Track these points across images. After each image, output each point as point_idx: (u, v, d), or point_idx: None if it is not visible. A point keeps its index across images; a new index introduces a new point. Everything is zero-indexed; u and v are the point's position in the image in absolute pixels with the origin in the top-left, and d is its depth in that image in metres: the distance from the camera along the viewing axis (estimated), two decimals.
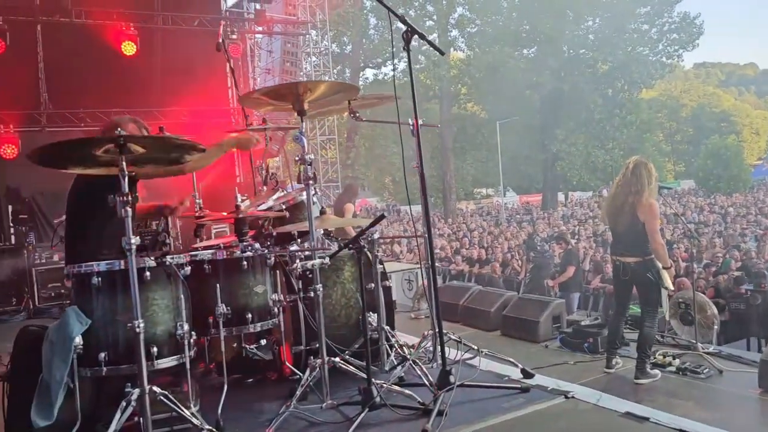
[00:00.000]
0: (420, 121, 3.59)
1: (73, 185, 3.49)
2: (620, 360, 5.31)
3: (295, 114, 3.25)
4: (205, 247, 3.62)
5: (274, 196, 4.01)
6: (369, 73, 34.40)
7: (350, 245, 2.98)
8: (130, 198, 2.40)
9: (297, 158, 3.04)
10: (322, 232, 3.87)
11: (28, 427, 2.59)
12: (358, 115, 3.58)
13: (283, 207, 3.78)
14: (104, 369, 2.63)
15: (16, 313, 9.33)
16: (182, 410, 2.57)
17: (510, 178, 37.38)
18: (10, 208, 11.72)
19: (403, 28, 3.20)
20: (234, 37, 14.26)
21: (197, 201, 4.31)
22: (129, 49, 13.00)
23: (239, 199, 3.23)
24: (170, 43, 13.47)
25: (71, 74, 12.83)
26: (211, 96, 13.43)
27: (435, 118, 32.89)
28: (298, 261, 3.14)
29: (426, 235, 3.00)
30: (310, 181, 3.01)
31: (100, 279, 2.62)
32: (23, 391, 2.69)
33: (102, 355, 2.62)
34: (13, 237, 11.54)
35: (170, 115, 14.31)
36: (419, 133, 3.65)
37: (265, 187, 4.36)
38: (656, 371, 4.88)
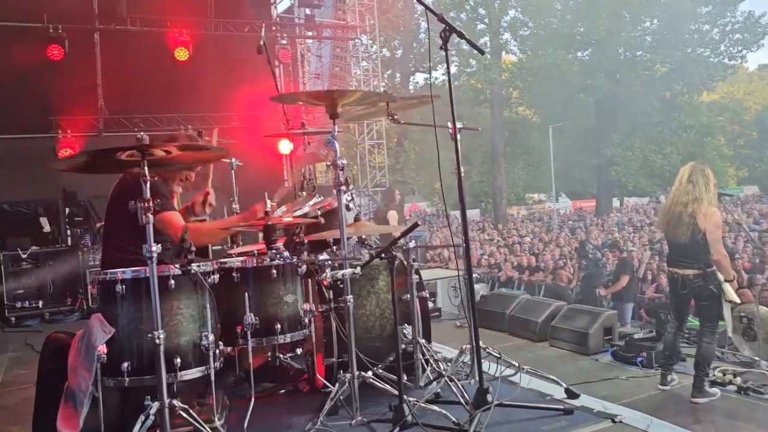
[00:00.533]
0: (459, 125, 3.43)
1: (112, 190, 3.50)
2: (676, 377, 5.02)
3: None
4: (239, 254, 3.56)
5: (311, 202, 3.92)
6: (420, 77, 34.31)
7: (382, 254, 2.85)
8: (151, 204, 2.33)
9: (329, 163, 2.93)
10: (356, 239, 3.75)
11: None
12: (396, 117, 3.46)
13: (319, 213, 3.68)
14: (127, 379, 2.58)
15: (70, 313, 9.57)
16: (201, 425, 2.48)
17: (563, 183, 36.61)
18: (66, 210, 12.07)
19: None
20: (284, 42, 14.39)
21: (234, 206, 4.27)
22: (182, 54, 13.26)
23: (268, 205, 3.14)
24: (222, 49, 13.66)
25: (126, 80, 13.18)
26: (261, 101, 13.56)
27: (486, 122, 32.52)
28: (327, 270, 3.03)
29: (464, 244, 2.83)
30: (342, 187, 2.89)
31: (124, 287, 2.57)
32: (49, 398, 2.67)
33: (125, 364, 2.57)
34: (69, 239, 11.89)
35: (221, 120, 14.54)
36: (457, 137, 3.49)
37: (304, 193, 4.28)
38: (715, 390, 4.58)
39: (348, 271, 2.78)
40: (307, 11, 15.83)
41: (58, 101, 12.54)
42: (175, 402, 2.42)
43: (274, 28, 14.88)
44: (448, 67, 2.88)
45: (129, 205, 2.33)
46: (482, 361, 3.61)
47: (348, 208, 3.78)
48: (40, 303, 10.01)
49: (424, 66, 32.57)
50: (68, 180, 12.26)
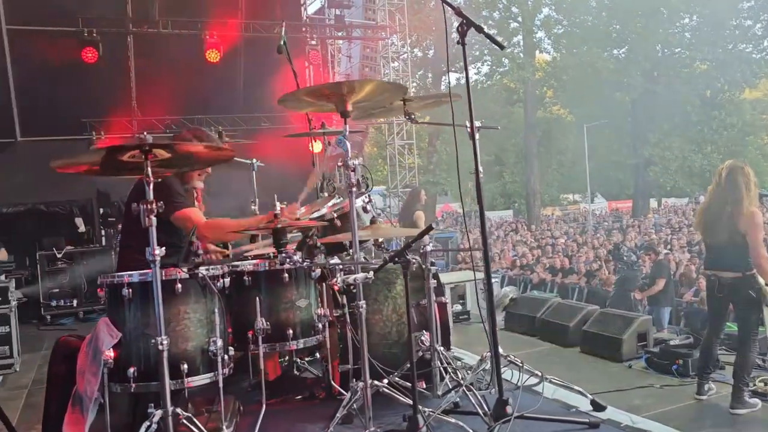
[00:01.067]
0: (477, 123, 3.30)
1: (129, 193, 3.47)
2: (713, 386, 4.81)
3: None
4: (255, 257, 3.49)
5: (330, 203, 3.83)
6: (452, 77, 34.02)
7: (396, 258, 2.73)
8: (154, 206, 2.27)
9: (340, 163, 2.84)
10: (372, 242, 3.64)
11: None
12: (413, 116, 3.34)
13: (335, 215, 3.58)
14: (133, 385, 2.51)
15: (104, 312, 9.68)
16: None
17: (598, 183, 35.94)
18: (101, 211, 12.26)
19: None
20: (313, 43, 14.39)
21: (252, 207, 4.21)
22: (213, 56, 13.33)
23: (278, 207, 3.06)
24: (252, 50, 13.70)
25: (158, 82, 13.33)
26: None
27: (519, 122, 32.14)
28: (338, 275, 2.93)
29: (482, 247, 2.70)
30: (354, 188, 2.79)
31: (131, 290, 2.51)
32: (58, 402, 2.62)
33: (131, 370, 2.50)
34: (103, 239, 12.07)
35: (251, 121, 14.60)
36: (475, 136, 3.36)
37: (326, 194, 4.19)
38: (756, 400, 4.36)
39: (360, 275, 2.67)
40: (337, 12, 15.80)
41: (92, 104, 12.73)
42: (179, 410, 2.35)
43: (303, 29, 14.88)
44: (465, 63, 2.77)
45: (132, 207, 2.27)
46: (505, 369, 3.48)
47: (365, 210, 3.68)
48: (75, 302, 10.17)
49: (457, 66, 32.28)
50: (102, 181, 12.45)
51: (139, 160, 2.26)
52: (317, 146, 14.65)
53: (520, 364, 3.41)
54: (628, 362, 5.99)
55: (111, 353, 2.49)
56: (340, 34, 16.12)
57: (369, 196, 3.79)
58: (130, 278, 2.50)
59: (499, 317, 8.98)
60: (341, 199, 3.82)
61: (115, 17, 13.09)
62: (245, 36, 13.87)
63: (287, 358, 3.61)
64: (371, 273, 2.71)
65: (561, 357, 7.13)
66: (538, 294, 12.27)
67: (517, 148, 32.90)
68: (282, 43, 4.46)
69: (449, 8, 2.90)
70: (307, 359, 3.80)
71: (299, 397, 3.30)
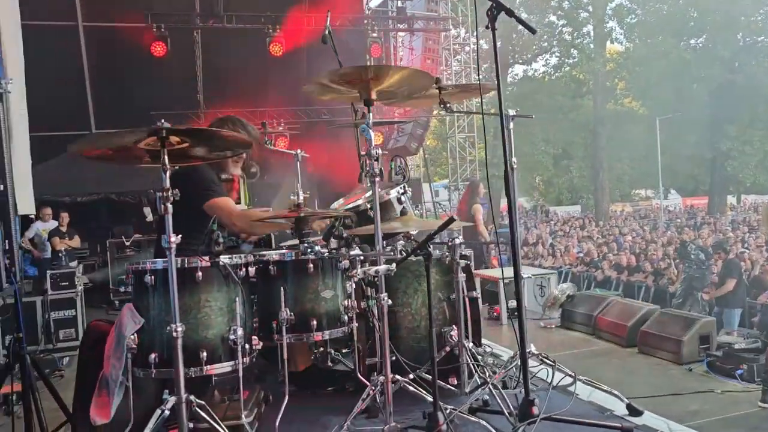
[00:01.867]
0: (512, 112, 3.18)
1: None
2: None
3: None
4: (290, 247, 3.49)
5: (368, 194, 3.79)
6: (518, 69, 33.38)
7: (417, 251, 2.66)
8: (170, 194, 2.28)
9: (363, 152, 2.78)
10: (402, 234, 3.57)
11: (89, 424, 2.58)
12: (449, 105, 3.25)
13: (368, 206, 3.54)
14: (154, 371, 2.55)
15: None
16: (218, 423, 2.41)
17: (671, 178, 34.46)
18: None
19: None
20: (375, 35, 14.37)
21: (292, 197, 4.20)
22: (276, 50, 13.52)
23: (300, 197, 3.04)
24: (315, 43, 13.84)
25: (223, 76, 13.66)
26: None
27: (588, 115, 31.21)
28: (358, 266, 2.88)
29: (511, 239, 2.59)
30: (377, 178, 2.73)
31: (153, 277, 2.55)
32: (87, 386, 2.70)
33: (153, 356, 2.54)
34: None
35: (313, 114, 14.78)
36: (510, 126, 3.24)
37: (367, 185, 4.14)
38: None
39: (382, 267, 2.62)
40: (399, 3, 15.72)
41: (160, 97, 13.17)
42: (192, 397, 2.37)
43: (365, 21, 14.89)
44: (494, 48, 2.65)
45: (150, 195, 2.30)
46: (541, 368, 3.36)
47: (399, 201, 3.62)
48: None
49: (523, 57, 31.67)
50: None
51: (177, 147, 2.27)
52: (376, 138, 14.64)
53: (553, 363, 3.27)
54: (688, 365, 5.70)
55: (134, 339, 2.54)
56: (402, 26, 16.02)
57: (404, 187, 3.73)
58: (153, 265, 2.54)
59: (556, 314, 8.75)
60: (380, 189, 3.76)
61: (183, 13, 13.47)
62: (308, 29, 13.99)
63: (322, 349, 3.60)
64: (393, 265, 2.65)
65: (618, 357, 6.88)
66: (597, 292, 11.86)
67: (585, 141, 31.93)
68: (327, 32, 4.44)
69: None
70: (344, 351, 3.78)
71: (330, 389, 3.29)
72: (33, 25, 11.02)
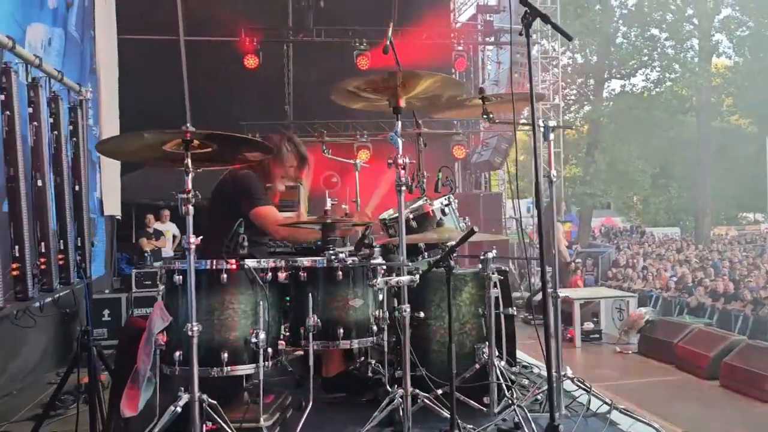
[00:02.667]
0: (552, 123, 3.05)
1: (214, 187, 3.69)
2: None
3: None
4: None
5: (415, 205, 3.76)
6: (615, 84, 32.14)
7: (439, 263, 2.60)
8: (191, 195, 2.35)
9: (390, 161, 2.75)
10: (423, 245, 3.49)
11: (121, 417, 2.69)
12: (492, 116, 3.17)
13: (411, 216, 3.51)
14: (178, 368, 2.63)
15: None
16: (227, 425, 2.44)
17: None
18: None
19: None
20: (460, 49, 14.30)
21: (343, 206, 4.25)
22: (363, 63, 13.73)
23: (328, 204, 3.05)
24: (400, 56, 13.94)
25: (311, 88, 14.02)
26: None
27: (691, 132, 29.66)
28: (379, 276, 2.84)
29: (540, 258, 2.47)
30: (403, 188, 2.69)
31: (181, 277, 2.63)
32: (122, 380, 2.81)
33: (177, 354, 2.62)
34: None
35: (392, 127, 14.83)
36: (550, 137, 3.11)
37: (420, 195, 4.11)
38: None
39: (405, 278, 2.57)
40: (488, 17, 15.59)
41: (249, 107, 13.71)
42: (204, 396, 2.41)
43: (452, 35, 14.86)
44: (528, 55, 2.56)
45: (173, 195, 2.38)
46: (581, 393, 3.18)
47: (443, 213, 3.57)
48: None
49: (622, 72, 30.50)
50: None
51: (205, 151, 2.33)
52: (458, 151, 14.52)
53: (588, 388, 3.09)
54: None
55: (163, 336, 2.63)
56: (490, 39, 15.86)
57: (449, 198, 3.67)
58: (182, 265, 2.62)
59: (633, 339, 8.33)
60: (426, 200, 3.74)
61: (276, 26, 13.96)
62: (395, 42, 14.07)
63: (363, 359, 3.58)
64: (417, 276, 2.60)
65: (697, 390, 6.46)
66: (686, 319, 11.18)
67: (686, 160, 30.28)
68: (388, 43, 4.46)
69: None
70: (377, 362, 3.73)
71: (363, 398, 3.26)
72: (140, 39, 11.83)
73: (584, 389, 3.07)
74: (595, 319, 9.22)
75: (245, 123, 13.67)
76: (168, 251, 10.23)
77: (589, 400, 3.02)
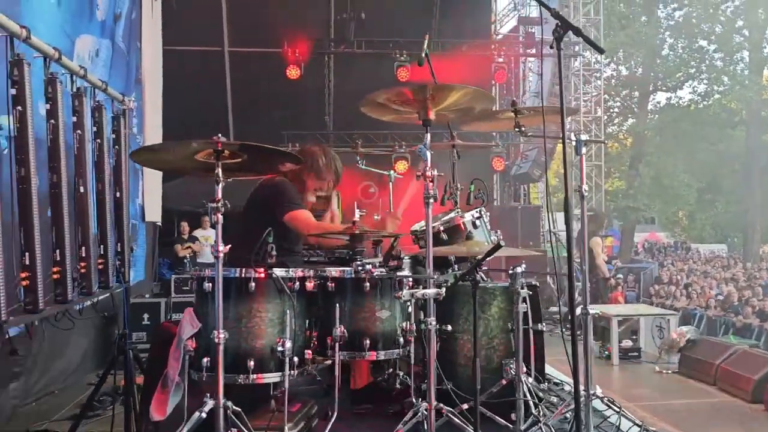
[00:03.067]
0: (584, 137, 3.01)
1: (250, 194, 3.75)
2: None
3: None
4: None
5: (446, 217, 3.76)
6: (661, 96, 31.46)
7: (465, 277, 2.58)
8: (221, 204, 2.40)
9: (419, 173, 2.75)
10: (453, 258, 3.47)
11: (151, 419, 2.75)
12: (524, 129, 3.14)
13: (441, 228, 3.50)
14: (205, 375, 2.67)
15: None
16: (248, 431, 2.46)
17: None
18: None
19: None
20: (500, 60, 14.24)
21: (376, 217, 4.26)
22: (403, 74, 13.78)
23: (357, 215, 3.06)
24: (438, 68, 13.96)
25: (351, 98, 14.10)
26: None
27: (739, 147, 28.83)
28: (405, 289, 2.83)
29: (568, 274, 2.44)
30: (431, 200, 2.69)
31: (211, 285, 2.67)
32: (153, 384, 2.87)
33: (205, 360, 2.66)
34: None
35: (433, 137, 14.84)
36: (582, 151, 3.06)
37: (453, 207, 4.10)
38: None
39: (431, 291, 2.56)
40: (529, 29, 15.50)
41: (290, 116, 13.90)
42: (229, 403, 2.44)
43: (492, 47, 14.82)
44: (560, 69, 2.52)
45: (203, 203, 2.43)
46: (611, 413, 3.11)
47: (474, 226, 3.55)
48: None
49: (668, 84, 29.88)
50: None
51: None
52: (498, 164, 14.40)
53: (618, 409, 3.01)
54: None
55: (192, 342, 2.68)
56: (532, 51, 15.76)
57: (480, 211, 3.65)
58: (212, 273, 2.67)
59: (674, 359, 8.12)
60: (458, 212, 3.72)
61: (318, 39, 14.14)
62: (435, 55, 14.11)
63: (391, 371, 3.58)
64: (443, 289, 2.58)
65: (739, 414, 6.26)
66: (731, 339, 10.82)
67: (734, 174, 29.42)
68: (423, 54, 4.47)
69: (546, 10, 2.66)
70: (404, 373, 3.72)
71: (391, 410, 3.25)
72: (185, 50, 12.14)
73: (614, 409, 3.00)
74: (634, 337, 9.03)
75: (286, 132, 13.86)
76: (209, 257, 10.41)
77: (620, 421, 2.95)
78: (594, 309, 3.06)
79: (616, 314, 8.33)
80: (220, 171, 2.40)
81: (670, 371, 7.78)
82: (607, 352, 8.33)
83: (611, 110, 29.70)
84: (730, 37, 28.22)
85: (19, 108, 3.29)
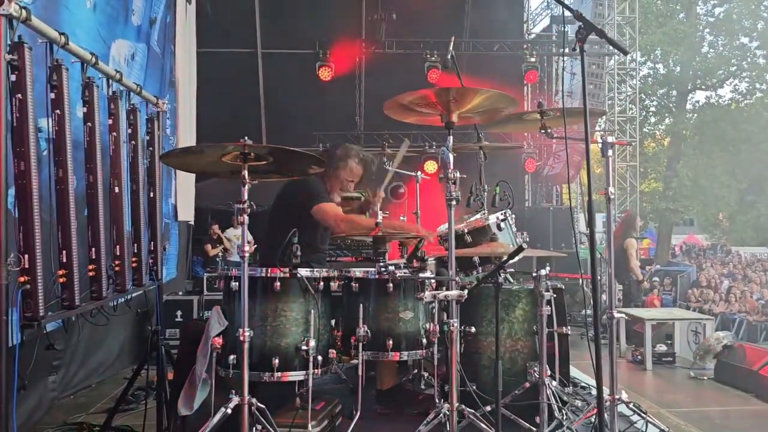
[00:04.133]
0: (610, 139, 2.98)
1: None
2: None
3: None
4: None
5: (471, 219, 3.77)
6: (700, 95, 30.76)
7: (487, 279, 2.59)
8: (247, 205, 2.45)
9: (441, 176, 2.76)
10: (477, 259, 3.46)
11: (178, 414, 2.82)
12: (550, 131, 3.12)
13: (465, 230, 3.51)
14: (231, 372, 2.73)
15: None
16: (272, 427, 2.51)
17: None
18: None
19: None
20: (533, 60, 14.11)
21: (402, 217, 4.29)
22: (434, 75, 13.75)
23: (380, 217, 3.08)
24: (470, 68, 13.91)
25: (382, 99, 14.13)
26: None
27: None
28: (427, 290, 2.85)
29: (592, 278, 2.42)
30: (453, 202, 2.70)
31: (237, 283, 2.73)
32: (182, 380, 2.94)
33: (231, 357, 2.72)
34: None
35: (463, 138, 14.79)
36: (608, 153, 3.03)
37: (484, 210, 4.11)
38: None
39: (454, 292, 2.57)
40: (562, 28, 15.28)
41: (321, 117, 14.01)
42: (254, 400, 2.49)
43: (525, 46, 14.68)
44: (583, 70, 2.50)
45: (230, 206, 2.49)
46: (638, 418, 3.08)
47: (499, 228, 3.55)
48: None
49: (707, 83, 29.19)
50: None
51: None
52: (530, 165, 14.25)
53: (643, 413, 2.98)
54: None
55: (219, 339, 2.74)
56: (565, 50, 15.55)
57: (505, 213, 3.65)
58: (239, 272, 2.72)
59: (710, 365, 7.93)
60: (481, 214, 3.73)
61: (349, 39, 14.21)
62: (467, 54, 14.10)
63: (416, 371, 3.61)
64: (465, 291, 2.59)
65: None
66: (759, 345, 10.50)
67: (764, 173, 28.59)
68: (449, 56, 4.47)
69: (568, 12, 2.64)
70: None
71: (415, 411, 3.27)
72: (218, 52, 12.33)
73: (640, 414, 2.97)
74: (668, 342, 8.85)
75: (318, 133, 13.96)
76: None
77: (646, 426, 2.92)
78: (620, 313, 3.03)
79: (649, 318, 8.18)
80: (246, 173, 2.46)
81: (705, 378, 7.61)
82: (639, 357, 8.20)
83: (648, 109, 29.17)
84: None
85: (58, 111, 3.39)
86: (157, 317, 4.60)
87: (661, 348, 8.54)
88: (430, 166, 12.94)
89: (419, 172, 4.85)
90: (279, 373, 2.72)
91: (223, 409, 2.50)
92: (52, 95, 3.39)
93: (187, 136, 7.64)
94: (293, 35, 13.59)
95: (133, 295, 4.75)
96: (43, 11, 3.90)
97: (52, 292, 3.43)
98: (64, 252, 3.47)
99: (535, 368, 2.93)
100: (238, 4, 13.18)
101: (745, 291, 17.86)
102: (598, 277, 2.45)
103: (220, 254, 10.21)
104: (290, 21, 13.32)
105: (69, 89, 3.49)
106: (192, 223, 8.97)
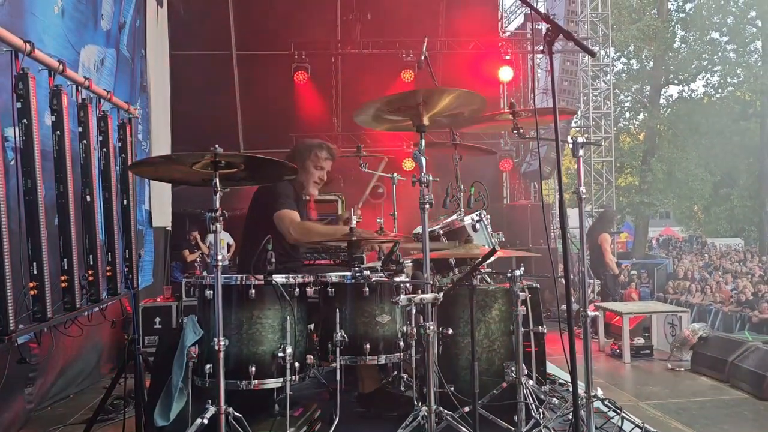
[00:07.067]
0: (581, 139, 3.01)
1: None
2: None
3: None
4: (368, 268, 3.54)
5: (447, 220, 3.77)
6: (673, 90, 31.19)
7: (463, 281, 2.60)
8: (220, 214, 2.43)
9: (415, 179, 2.76)
10: (453, 260, 3.49)
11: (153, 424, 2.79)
12: (522, 131, 3.14)
13: (441, 231, 3.52)
14: (208, 381, 2.70)
15: None
16: None
17: None
18: None
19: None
20: (507, 58, 14.18)
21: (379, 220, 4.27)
22: (407, 76, 13.76)
23: (354, 221, 3.08)
24: (445, 67, 13.94)
25: (358, 99, 14.08)
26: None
27: (753, 139, 28.50)
28: (402, 294, 2.85)
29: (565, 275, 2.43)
30: (427, 205, 2.70)
31: (212, 292, 2.70)
32: (158, 388, 2.91)
33: (207, 366, 2.70)
34: None
35: (440, 137, 14.81)
36: (579, 153, 3.06)
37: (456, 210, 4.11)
38: None
39: (429, 296, 2.58)
40: (537, 25, 15.39)
41: (298, 118, 13.95)
42: (230, 409, 2.47)
43: (500, 44, 14.76)
44: (552, 71, 2.50)
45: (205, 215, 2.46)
46: (614, 414, 3.11)
47: (474, 229, 3.56)
48: None
49: (680, 77, 29.61)
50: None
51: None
52: (505, 165, 14.21)
53: (618, 410, 3.01)
54: None
55: (195, 349, 2.71)
56: (540, 48, 15.67)
57: (480, 214, 3.66)
58: (212, 280, 2.70)
59: (686, 356, 8.06)
60: (456, 215, 3.74)
61: (324, 40, 14.16)
62: (443, 54, 14.14)
63: (395, 374, 3.61)
64: (441, 294, 2.60)
65: (753, 411, 6.19)
66: (746, 335, 10.72)
67: (750, 167, 29.10)
68: (422, 57, 4.48)
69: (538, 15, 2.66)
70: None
71: (395, 414, 3.27)
72: (192, 54, 12.20)
73: (615, 410, 3.00)
74: (646, 335, 8.97)
75: (294, 134, 13.90)
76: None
77: (622, 422, 2.95)
78: (597, 309, 3.06)
79: (627, 312, 8.27)
80: (217, 181, 2.44)
81: (682, 369, 7.73)
82: (617, 350, 8.30)
83: (622, 105, 29.51)
84: (742, 29, 27.95)
85: (25, 121, 3.33)
86: (134, 325, 4.55)
87: (639, 341, 8.64)
88: (408, 164, 12.94)
89: (395, 174, 4.84)
90: (256, 380, 2.70)
91: (199, 420, 2.48)
92: (19, 105, 3.32)
93: (161, 141, 7.56)
94: (268, 36, 13.52)
95: (108, 304, 4.69)
96: (9, 18, 3.83)
97: (23, 304, 3.37)
98: (34, 263, 3.41)
99: (512, 368, 2.94)
100: (212, 5, 13.06)
101: (720, 282, 18.16)
102: (571, 276, 2.47)
103: (198, 259, 10.13)
104: (265, 22, 13.23)
105: (37, 97, 3.43)
106: (169, 228, 8.87)
